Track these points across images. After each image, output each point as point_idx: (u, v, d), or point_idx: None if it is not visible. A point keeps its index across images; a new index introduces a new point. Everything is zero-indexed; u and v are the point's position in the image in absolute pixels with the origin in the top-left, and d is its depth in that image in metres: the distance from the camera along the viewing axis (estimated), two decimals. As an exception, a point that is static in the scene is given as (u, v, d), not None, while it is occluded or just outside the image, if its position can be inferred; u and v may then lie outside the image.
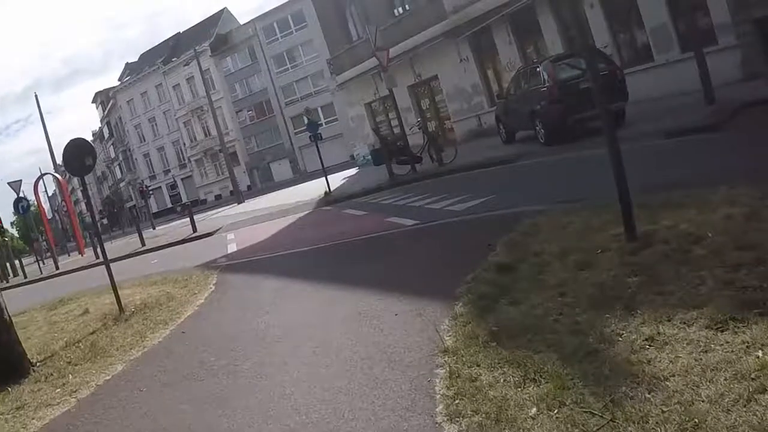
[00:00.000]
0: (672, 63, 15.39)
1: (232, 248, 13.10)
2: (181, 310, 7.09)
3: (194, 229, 19.83)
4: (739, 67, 14.20)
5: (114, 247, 28.24)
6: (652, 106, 13.84)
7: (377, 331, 4.42)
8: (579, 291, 3.80)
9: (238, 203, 35.49)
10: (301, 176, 52.56)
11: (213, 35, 64.02)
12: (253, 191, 53.81)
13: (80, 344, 6.51)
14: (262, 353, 4.76)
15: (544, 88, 13.53)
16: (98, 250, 23.38)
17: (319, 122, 27.87)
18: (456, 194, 10.61)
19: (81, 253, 28.95)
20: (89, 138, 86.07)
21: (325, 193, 18.54)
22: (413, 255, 6.95)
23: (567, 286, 3.96)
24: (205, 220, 26.59)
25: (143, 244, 20.89)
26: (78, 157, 7.98)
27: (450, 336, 3.78)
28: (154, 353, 5.59)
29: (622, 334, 3.09)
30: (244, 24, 64.50)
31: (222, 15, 67.97)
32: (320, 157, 19.97)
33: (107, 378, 5.09)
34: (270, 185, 55.30)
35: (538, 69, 14.28)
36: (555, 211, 6.44)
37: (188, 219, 21.31)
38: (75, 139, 8.05)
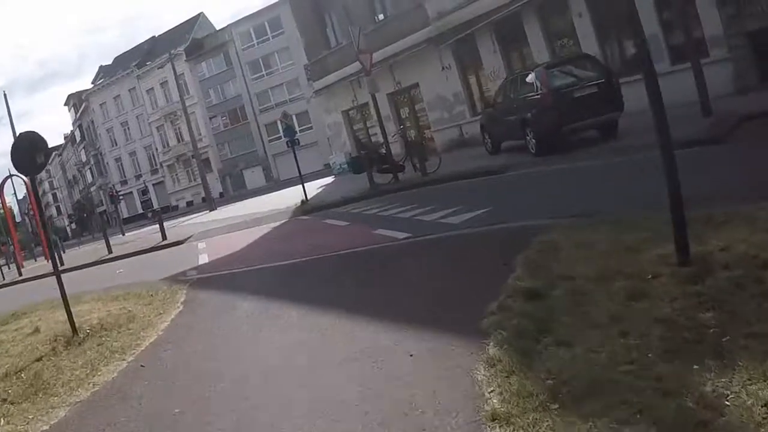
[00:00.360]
0: (662, 75, 14.92)
1: (203, 259, 12.12)
2: (143, 335, 6.13)
3: (164, 237, 18.85)
4: (732, 80, 13.90)
5: (81, 253, 27.01)
6: (642, 118, 13.35)
7: (391, 381, 3.45)
8: (644, 330, 3.03)
9: (211, 210, 34.40)
10: (274, 184, 51.60)
11: (188, 40, 62.88)
12: (225, 198, 52.70)
13: (23, 374, 5.56)
14: (241, 407, 3.76)
15: (537, 96, 12.90)
16: (63, 255, 22.75)
17: (295, 129, 27.11)
18: (446, 206, 9.86)
19: (47, 258, 27.80)
20: (60, 141, 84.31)
21: (302, 201, 17.63)
22: (414, 274, 6.05)
23: (625, 323, 3.16)
24: (176, 227, 25.44)
25: (110, 252, 19.86)
26: (29, 152, 6.80)
27: (493, 392, 2.88)
28: (105, 395, 4.62)
29: (729, 395, 2.34)
30: (220, 29, 63.50)
31: (198, 20, 66.91)
32: (297, 163, 19.13)
33: (45, 429, 4.16)
34: (243, 192, 54.27)
35: (528, 76, 13.67)
36: (568, 225, 5.75)
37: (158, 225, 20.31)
38: (26, 131, 6.94)
